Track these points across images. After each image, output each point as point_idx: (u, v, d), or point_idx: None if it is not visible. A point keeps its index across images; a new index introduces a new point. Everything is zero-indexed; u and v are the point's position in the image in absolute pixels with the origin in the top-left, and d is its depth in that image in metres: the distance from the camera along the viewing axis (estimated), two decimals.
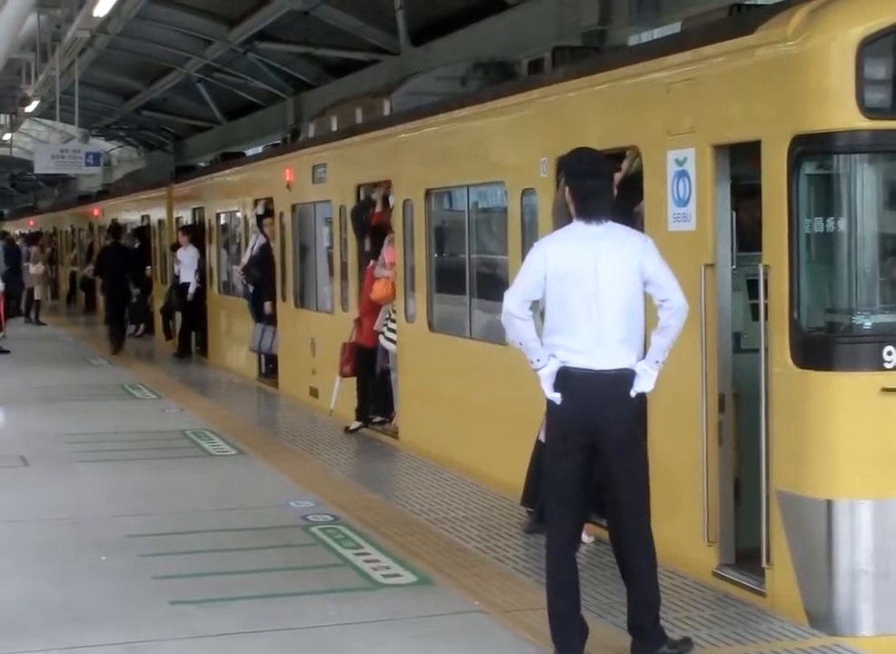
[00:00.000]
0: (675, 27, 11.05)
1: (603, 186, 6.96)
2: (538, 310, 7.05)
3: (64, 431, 14.38)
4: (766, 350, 7.51)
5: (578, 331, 6.73)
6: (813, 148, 7.29)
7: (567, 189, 6.98)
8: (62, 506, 10.65)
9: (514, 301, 6.84)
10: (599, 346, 6.69)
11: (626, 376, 6.72)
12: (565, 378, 6.74)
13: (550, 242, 7.04)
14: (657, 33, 16.36)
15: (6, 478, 11.96)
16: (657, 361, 6.77)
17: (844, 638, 7.08)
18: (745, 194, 8.17)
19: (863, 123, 7.10)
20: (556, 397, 6.76)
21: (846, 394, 7.21)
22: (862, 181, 7.31)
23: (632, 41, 17.06)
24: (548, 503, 7.08)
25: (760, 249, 7.61)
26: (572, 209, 6.94)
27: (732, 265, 8.13)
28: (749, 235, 7.99)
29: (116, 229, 27.07)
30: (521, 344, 6.88)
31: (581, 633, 6.77)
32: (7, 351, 23.27)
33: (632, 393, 6.73)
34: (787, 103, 7.34)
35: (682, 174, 8.28)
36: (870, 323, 7.32)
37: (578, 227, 6.89)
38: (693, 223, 8.19)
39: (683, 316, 6.81)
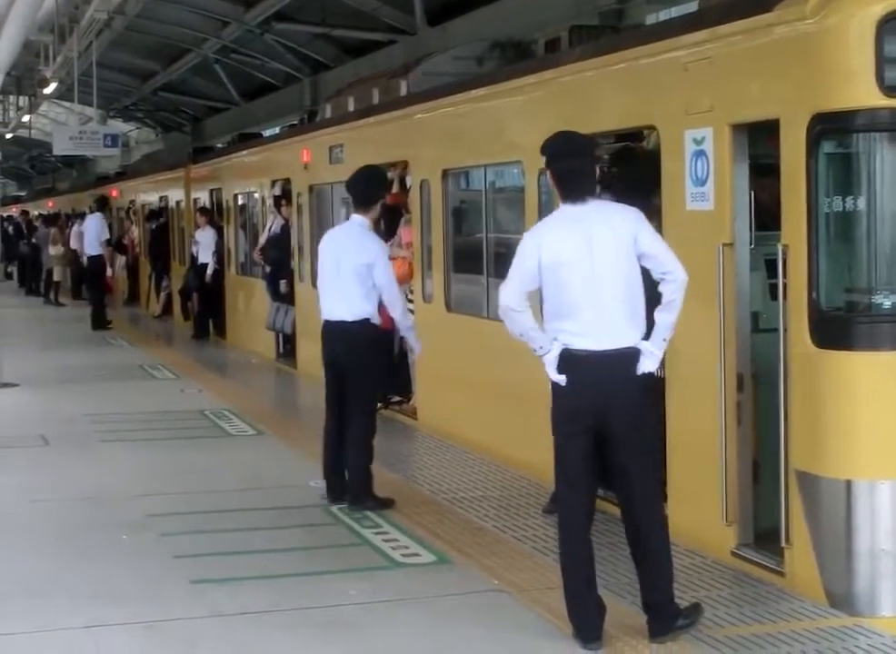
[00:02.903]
0: (692, 6, 11.02)
1: (583, 164, 6.92)
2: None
3: (84, 412, 14.43)
4: (785, 329, 7.50)
5: (579, 314, 6.74)
6: (832, 127, 7.26)
7: (548, 173, 6.97)
8: (82, 485, 10.70)
9: (510, 294, 6.86)
10: (601, 327, 6.70)
11: (630, 355, 6.73)
12: (569, 360, 6.76)
13: (540, 230, 7.02)
14: (674, 11, 16.32)
15: (27, 458, 12.02)
16: (664, 340, 6.78)
17: (864, 618, 7.08)
18: (763, 173, 8.15)
19: (883, 101, 7.07)
20: (561, 379, 6.79)
21: (865, 374, 7.20)
22: (882, 159, 7.26)
23: (650, 20, 17.02)
24: (559, 485, 7.11)
25: (778, 228, 7.60)
26: (556, 193, 6.95)
27: (751, 245, 8.11)
28: (767, 215, 7.97)
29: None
30: (521, 335, 6.91)
31: (598, 612, 6.79)
32: None
33: (638, 372, 6.74)
34: (806, 81, 7.32)
35: (700, 154, 8.27)
36: (889, 303, 7.28)
37: (565, 210, 6.90)
38: (711, 203, 8.18)
39: (683, 291, 6.78)
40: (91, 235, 25.60)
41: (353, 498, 9.76)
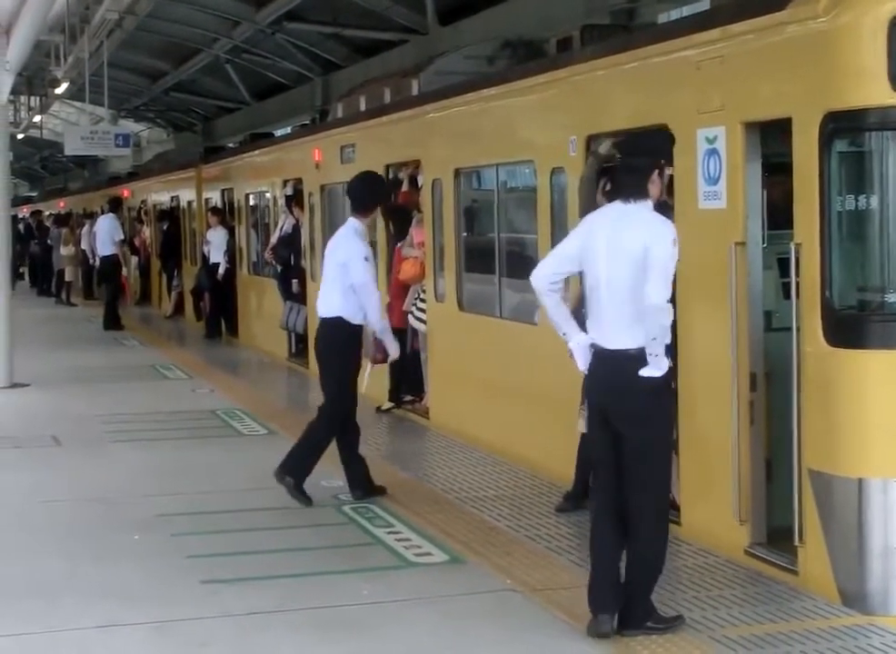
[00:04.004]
0: (704, 4, 11.00)
1: (634, 163, 7.01)
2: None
3: (96, 412, 14.45)
4: (797, 328, 7.48)
5: (591, 309, 6.97)
6: (845, 125, 7.24)
7: None
8: (94, 486, 10.71)
9: (540, 271, 7.11)
10: (604, 325, 6.89)
11: (630, 357, 6.80)
12: (593, 353, 6.99)
13: (588, 220, 7.24)
14: (686, 10, 16.29)
15: (39, 458, 12.03)
16: (650, 354, 6.77)
17: (877, 616, 7.06)
18: (776, 172, 8.13)
19: (895, 99, 7.05)
20: (583, 370, 7.06)
21: (878, 373, 7.18)
22: (894, 157, 7.25)
23: (661, 19, 17.00)
24: (592, 475, 7.46)
25: (791, 227, 7.58)
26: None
27: (763, 243, 8.10)
28: (780, 213, 7.95)
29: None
30: (550, 317, 7.12)
31: (615, 603, 6.82)
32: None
33: (642, 373, 6.77)
34: (818, 80, 7.30)
35: (713, 152, 8.25)
36: None
37: (612, 206, 7.11)
38: (724, 202, 8.16)
39: (656, 317, 6.72)
40: (104, 235, 25.70)
41: (280, 470, 9.99)
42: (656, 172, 6.94)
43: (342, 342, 10.04)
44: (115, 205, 27.29)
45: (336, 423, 10.17)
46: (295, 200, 18.64)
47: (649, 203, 6.92)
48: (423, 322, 13.55)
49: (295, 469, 9.94)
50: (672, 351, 8.59)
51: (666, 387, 6.99)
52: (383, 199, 10.55)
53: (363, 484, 10.09)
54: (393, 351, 10.47)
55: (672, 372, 7.07)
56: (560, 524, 9.09)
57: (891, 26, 7.01)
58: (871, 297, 7.35)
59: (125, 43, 31.13)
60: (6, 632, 7.09)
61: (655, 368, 6.78)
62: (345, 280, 9.96)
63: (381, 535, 8.96)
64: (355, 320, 10.02)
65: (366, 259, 10.05)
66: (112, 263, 25.62)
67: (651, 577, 6.97)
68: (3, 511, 10.00)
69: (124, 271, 25.39)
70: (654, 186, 6.93)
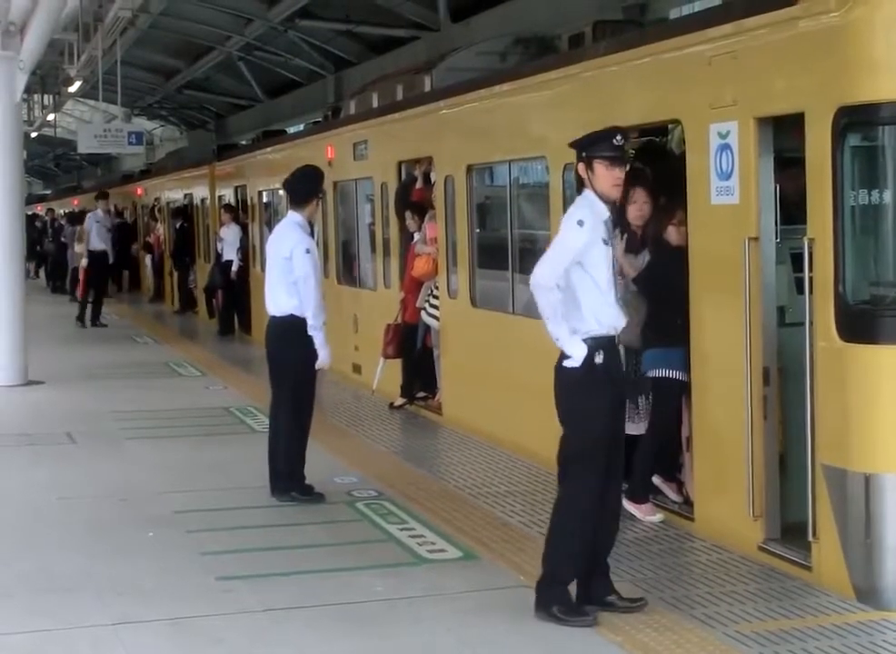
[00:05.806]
0: (716, 0, 10.99)
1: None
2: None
3: (110, 409, 14.48)
4: (811, 323, 7.48)
5: None
6: (858, 120, 7.23)
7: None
8: (109, 483, 10.73)
9: None
10: None
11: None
12: None
13: None
14: (698, 5, 16.28)
15: (54, 455, 12.05)
16: (555, 340, 6.97)
17: (891, 612, 7.05)
18: (789, 167, 8.12)
19: None
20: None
21: (891, 368, 7.16)
22: None
23: (674, 14, 16.98)
24: None
25: (804, 222, 7.57)
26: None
27: (776, 238, 8.09)
28: (793, 208, 7.94)
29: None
30: None
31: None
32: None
33: (565, 363, 6.99)
34: (831, 74, 7.29)
35: (725, 147, 8.24)
36: None
37: None
38: (737, 197, 8.15)
39: (535, 293, 7.03)
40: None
41: (281, 487, 9.98)
42: (581, 166, 7.07)
43: (298, 340, 9.93)
44: (99, 200, 27.36)
45: (302, 413, 10.16)
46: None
47: (584, 195, 7.11)
48: (436, 318, 13.55)
49: (289, 480, 9.97)
50: (684, 346, 8.64)
51: (587, 383, 6.94)
52: (320, 192, 10.46)
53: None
54: (322, 354, 10.11)
55: (597, 368, 6.97)
56: None
57: None
58: (885, 292, 7.34)
59: (139, 41, 31.20)
60: (22, 628, 7.11)
61: (572, 359, 6.89)
62: (291, 275, 9.91)
63: (394, 531, 8.97)
64: (304, 314, 9.98)
65: (308, 251, 9.96)
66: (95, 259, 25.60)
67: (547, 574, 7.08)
68: (19, 508, 10.03)
69: (84, 261, 25.40)
70: (597, 180, 7.01)
